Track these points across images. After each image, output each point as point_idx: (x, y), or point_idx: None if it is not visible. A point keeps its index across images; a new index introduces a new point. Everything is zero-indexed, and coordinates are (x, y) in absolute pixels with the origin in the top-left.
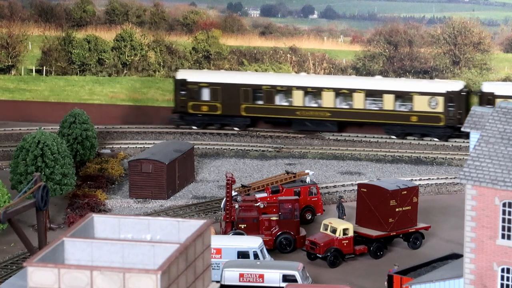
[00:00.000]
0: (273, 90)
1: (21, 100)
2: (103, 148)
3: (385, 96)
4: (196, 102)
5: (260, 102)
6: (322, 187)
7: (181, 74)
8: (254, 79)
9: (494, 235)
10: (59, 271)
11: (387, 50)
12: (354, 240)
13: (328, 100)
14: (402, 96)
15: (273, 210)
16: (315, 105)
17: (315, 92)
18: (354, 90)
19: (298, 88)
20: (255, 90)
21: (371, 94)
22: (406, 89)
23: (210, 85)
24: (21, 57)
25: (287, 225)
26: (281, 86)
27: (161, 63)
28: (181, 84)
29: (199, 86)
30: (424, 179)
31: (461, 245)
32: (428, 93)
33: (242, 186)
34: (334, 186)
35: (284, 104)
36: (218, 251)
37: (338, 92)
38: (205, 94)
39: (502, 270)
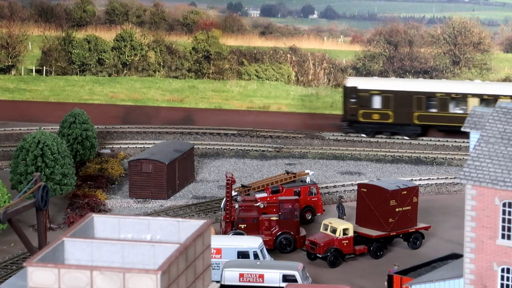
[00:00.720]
0: (448, 97)
1: (21, 100)
2: (103, 148)
3: None
4: (367, 110)
5: (434, 110)
6: (322, 187)
7: (351, 82)
8: (428, 86)
9: (494, 235)
10: (59, 271)
11: (387, 50)
12: (354, 240)
13: None
14: None
15: (273, 210)
16: None
17: (491, 100)
18: None
19: (474, 95)
20: (429, 97)
21: None
22: None
23: (381, 92)
24: (21, 57)
25: (287, 225)
26: (456, 94)
27: (161, 63)
28: (351, 92)
29: (370, 93)
30: (424, 179)
31: (461, 245)
32: None
33: (242, 186)
34: (334, 186)
35: (458, 112)
36: (218, 251)
37: None
38: (376, 102)
39: (502, 270)
